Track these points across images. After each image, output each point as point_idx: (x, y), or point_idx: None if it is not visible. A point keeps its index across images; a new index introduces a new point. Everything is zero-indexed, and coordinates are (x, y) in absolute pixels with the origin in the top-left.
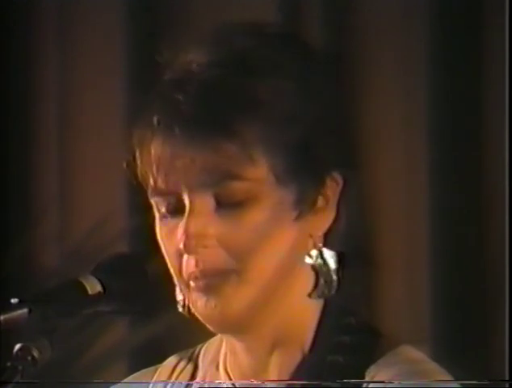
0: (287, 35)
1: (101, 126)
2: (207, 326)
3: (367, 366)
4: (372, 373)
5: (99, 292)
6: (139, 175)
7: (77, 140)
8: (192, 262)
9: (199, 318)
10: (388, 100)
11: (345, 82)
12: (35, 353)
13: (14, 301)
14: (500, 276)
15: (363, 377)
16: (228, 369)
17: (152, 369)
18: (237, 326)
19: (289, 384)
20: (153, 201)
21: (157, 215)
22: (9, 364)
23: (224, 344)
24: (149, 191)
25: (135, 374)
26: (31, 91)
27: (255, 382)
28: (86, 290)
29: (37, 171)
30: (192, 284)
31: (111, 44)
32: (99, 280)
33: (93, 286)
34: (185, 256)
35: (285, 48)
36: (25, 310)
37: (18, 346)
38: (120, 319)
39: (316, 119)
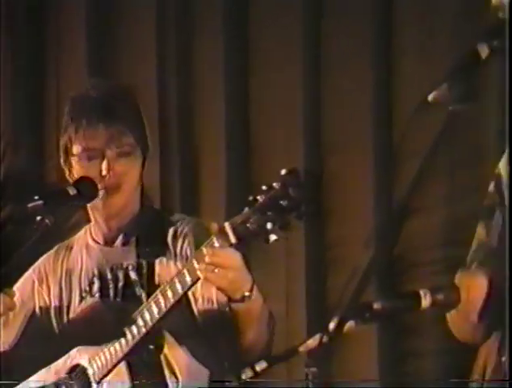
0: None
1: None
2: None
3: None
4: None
5: (75, 194)
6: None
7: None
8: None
9: None
10: None
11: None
12: (48, 221)
13: (35, 198)
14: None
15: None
16: (93, 235)
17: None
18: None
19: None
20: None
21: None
22: (35, 226)
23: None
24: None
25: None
26: None
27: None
28: (68, 193)
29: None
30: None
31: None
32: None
33: (72, 190)
34: None
35: None
36: (40, 202)
37: (39, 217)
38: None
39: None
